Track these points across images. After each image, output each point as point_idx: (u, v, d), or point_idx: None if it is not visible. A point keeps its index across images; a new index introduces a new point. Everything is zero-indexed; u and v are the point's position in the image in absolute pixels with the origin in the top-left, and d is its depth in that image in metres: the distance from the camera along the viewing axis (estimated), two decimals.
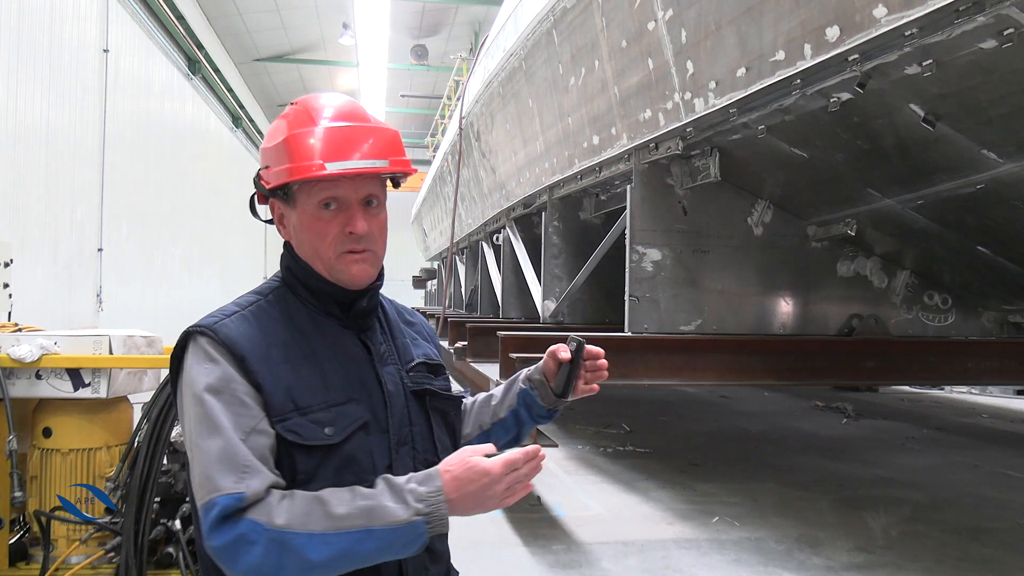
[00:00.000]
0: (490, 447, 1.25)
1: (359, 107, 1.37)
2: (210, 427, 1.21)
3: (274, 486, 1.20)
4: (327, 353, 1.34)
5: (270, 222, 1.41)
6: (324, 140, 1.27)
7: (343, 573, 1.19)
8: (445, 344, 7.79)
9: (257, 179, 1.37)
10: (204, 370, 1.25)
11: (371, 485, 1.24)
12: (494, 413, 1.58)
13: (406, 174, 1.36)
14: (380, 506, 1.18)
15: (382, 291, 1.48)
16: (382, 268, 1.40)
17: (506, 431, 1.58)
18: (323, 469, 1.26)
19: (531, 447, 1.24)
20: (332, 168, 1.25)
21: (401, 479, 1.22)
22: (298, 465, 1.25)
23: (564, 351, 1.51)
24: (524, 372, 1.59)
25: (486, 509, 1.22)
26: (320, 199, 1.29)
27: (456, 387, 1.57)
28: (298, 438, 1.25)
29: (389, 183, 1.40)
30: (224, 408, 1.22)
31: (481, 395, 1.64)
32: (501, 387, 1.61)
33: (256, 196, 1.40)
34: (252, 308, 1.35)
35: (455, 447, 1.45)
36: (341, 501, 1.18)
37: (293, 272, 1.38)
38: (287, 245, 1.40)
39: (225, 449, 1.20)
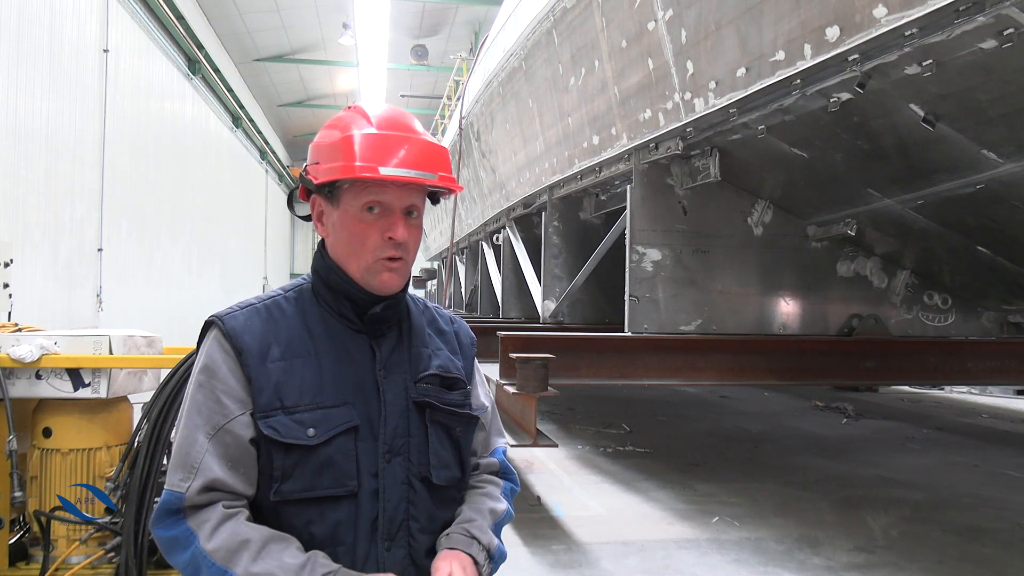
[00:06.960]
0: None
1: (412, 119, 1.39)
2: (183, 419, 1.30)
3: (219, 487, 1.24)
4: (330, 355, 1.34)
5: (306, 219, 1.43)
6: (379, 144, 1.28)
7: None
8: None
9: (303, 174, 1.38)
10: (201, 360, 1.32)
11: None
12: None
13: (450, 191, 1.37)
14: None
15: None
16: (408, 278, 1.41)
17: None
18: (301, 469, 1.27)
19: None
20: (385, 172, 1.26)
21: (323, 568, 1.20)
22: (275, 462, 1.27)
23: None
24: (454, 546, 1.35)
25: None
26: (365, 202, 1.31)
27: (484, 402, 1.52)
28: (276, 435, 1.27)
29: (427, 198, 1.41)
30: (200, 403, 1.28)
31: (480, 495, 1.48)
32: (466, 515, 1.42)
33: (298, 191, 1.42)
34: (268, 303, 1.39)
35: (460, 462, 1.44)
36: (266, 557, 1.19)
37: (318, 271, 1.41)
38: (320, 244, 1.42)
39: (181, 445, 1.28)
